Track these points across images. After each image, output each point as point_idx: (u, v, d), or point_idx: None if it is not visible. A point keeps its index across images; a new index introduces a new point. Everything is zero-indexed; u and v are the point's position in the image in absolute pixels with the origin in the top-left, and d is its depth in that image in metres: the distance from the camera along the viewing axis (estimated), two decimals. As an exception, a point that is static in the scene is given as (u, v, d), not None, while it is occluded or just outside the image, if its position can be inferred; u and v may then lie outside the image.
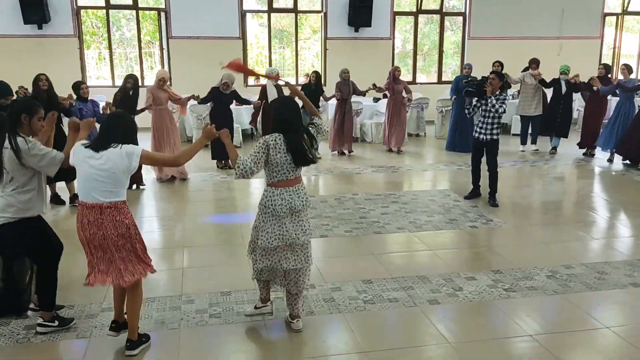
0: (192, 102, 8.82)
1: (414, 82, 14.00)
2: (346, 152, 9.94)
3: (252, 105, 9.31)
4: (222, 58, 14.15)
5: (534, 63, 9.89)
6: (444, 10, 14.02)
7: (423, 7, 13.90)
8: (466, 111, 7.15)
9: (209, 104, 8.67)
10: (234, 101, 8.76)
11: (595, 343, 3.69)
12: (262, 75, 9.93)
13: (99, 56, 13.44)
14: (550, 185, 8.07)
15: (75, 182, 3.44)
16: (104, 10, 12.40)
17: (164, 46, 12.54)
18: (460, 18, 14.11)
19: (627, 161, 9.06)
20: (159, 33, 12.74)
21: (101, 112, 7.02)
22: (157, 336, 3.67)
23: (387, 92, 9.96)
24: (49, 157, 3.48)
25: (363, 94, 9.83)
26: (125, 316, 3.57)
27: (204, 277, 4.65)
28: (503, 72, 8.44)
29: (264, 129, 9.25)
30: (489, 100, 6.60)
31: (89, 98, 7.11)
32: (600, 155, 9.70)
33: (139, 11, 12.53)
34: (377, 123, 11.17)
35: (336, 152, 9.96)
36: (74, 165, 3.35)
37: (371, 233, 5.81)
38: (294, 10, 13.21)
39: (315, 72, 9.73)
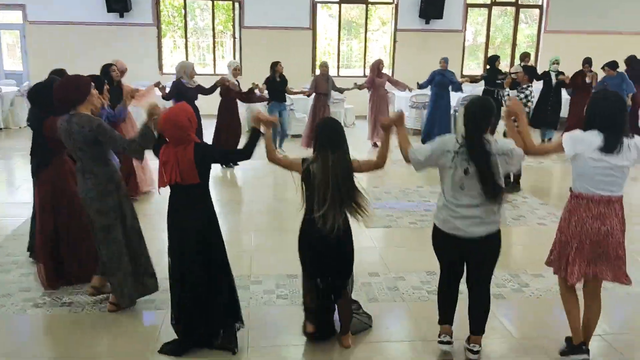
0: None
1: (484, 75, 13.69)
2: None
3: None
4: (291, 48, 14.27)
5: (527, 56, 10.42)
6: (519, 2, 13.62)
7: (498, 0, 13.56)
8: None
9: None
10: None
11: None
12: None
13: (174, 45, 13.94)
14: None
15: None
16: (182, 1, 12.87)
17: (236, 36, 12.87)
18: (537, 10, 13.66)
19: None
20: (232, 23, 13.08)
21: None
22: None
23: (367, 86, 9.61)
24: None
25: (341, 91, 9.53)
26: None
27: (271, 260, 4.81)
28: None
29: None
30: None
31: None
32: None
33: (214, 1, 12.92)
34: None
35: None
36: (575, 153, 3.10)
37: (436, 226, 5.79)
38: (365, 1, 13.20)
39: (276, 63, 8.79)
